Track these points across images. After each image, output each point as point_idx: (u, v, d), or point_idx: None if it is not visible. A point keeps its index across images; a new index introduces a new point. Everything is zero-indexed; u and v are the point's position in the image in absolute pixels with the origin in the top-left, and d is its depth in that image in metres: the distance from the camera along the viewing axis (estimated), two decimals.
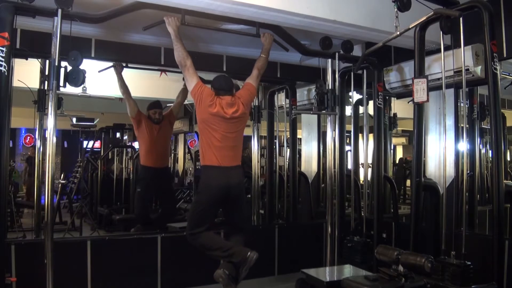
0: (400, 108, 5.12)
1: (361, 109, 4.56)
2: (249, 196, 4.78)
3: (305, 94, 4.98)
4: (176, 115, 4.76)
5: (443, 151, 3.15)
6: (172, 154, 8.26)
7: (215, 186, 3.10)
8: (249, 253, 3.03)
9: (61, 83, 2.72)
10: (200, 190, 3.21)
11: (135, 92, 4.53)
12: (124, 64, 4.19)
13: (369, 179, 4.20)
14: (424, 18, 2.99)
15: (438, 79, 3.28)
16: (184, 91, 4.51)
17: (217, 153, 3.12)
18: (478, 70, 3.17)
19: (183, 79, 4.54)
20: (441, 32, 3.08)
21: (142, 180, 4.61)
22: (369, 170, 4.07)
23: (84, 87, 3.58)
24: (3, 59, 2.51)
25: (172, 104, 4.76)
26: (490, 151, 4.08)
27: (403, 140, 9.46)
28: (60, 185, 6.16)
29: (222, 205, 3.27)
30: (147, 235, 3.82)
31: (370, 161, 4.04)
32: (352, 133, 4.92)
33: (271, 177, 4.91)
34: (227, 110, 3.15)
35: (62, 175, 7.02)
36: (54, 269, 2.70)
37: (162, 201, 5.11)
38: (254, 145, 4.79)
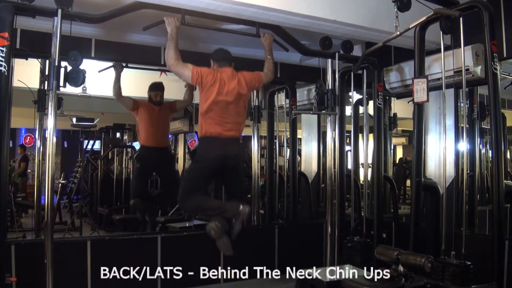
0: (400, 108, 5.12)
1: (361, 109, 4.56)
2: (249, 196, 4.78)
3: (305, 94, 4.97)
4: (178, 109, 4.74)
5: (443, 151, 3.15)
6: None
7: (211, 156, 3.10)
8: (241, 207, 3.05)
9: (61, 83, 2.72)
10: (197, 158, 3.19)
11: (135, 92, 4.53)
12: (124, 64, 4.19)
13: (369, 179, 4.20)
14: (424, 18, 2.98)
15: (438, 79, 3.28)
16: (189, 91, 4.50)
17: (216, 124, 3.11)
18: (478, 70, 3.16)
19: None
20: (441, 32, 3.07)
21: (141, 157, 4.55)
22: (369, 170, 4.07)
23: (84, 87, 3.59)
24: (3, 59, 2.51)
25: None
26: (490, 151, 4.08)
27: (403, 140, 9.45)
28: (60, 185, 6.16)
29: (218, 175, 3.27)
30: (147, 235, 3.82)
31: (370, 161, 4.04)
32: (352, 133, 4.91)
33: (271, 177, 4.90)
34: (228, 83, 3.16)
35: (62, 175, 7.03)
36: (54, 269, 2.69)
37: (163, 180, 5.05)
38: (254, 145, 4.79)
